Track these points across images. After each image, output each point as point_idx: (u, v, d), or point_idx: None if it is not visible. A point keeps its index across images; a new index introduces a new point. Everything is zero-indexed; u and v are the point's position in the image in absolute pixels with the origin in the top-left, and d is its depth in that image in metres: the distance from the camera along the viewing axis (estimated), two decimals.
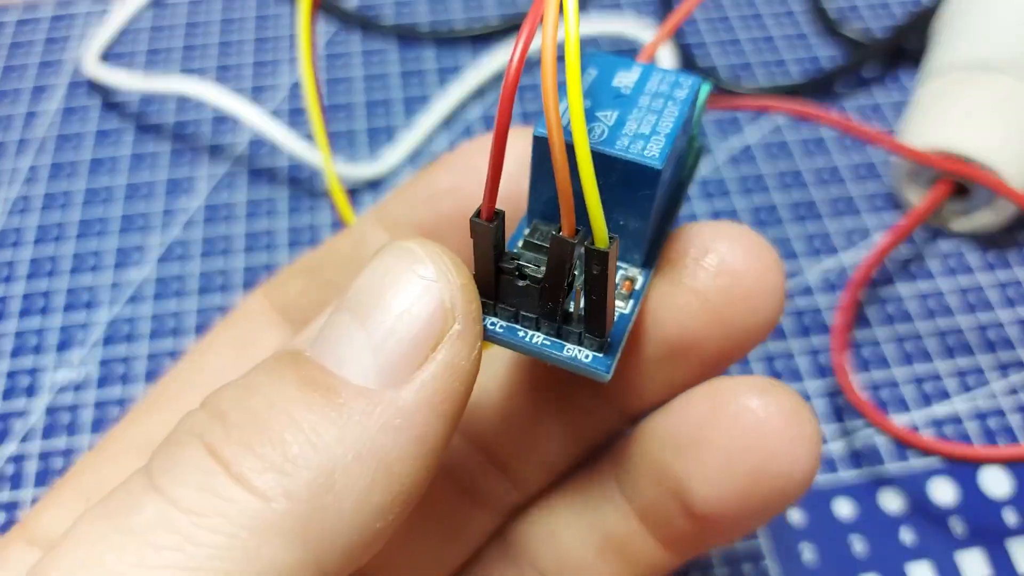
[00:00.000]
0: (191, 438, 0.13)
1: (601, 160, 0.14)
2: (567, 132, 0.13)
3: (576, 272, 0.15)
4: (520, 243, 0.16)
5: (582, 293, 0.15)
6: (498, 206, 0.14)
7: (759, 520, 0.17)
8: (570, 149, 0.13)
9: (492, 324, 0.15)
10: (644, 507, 0.18)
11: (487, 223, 0.14)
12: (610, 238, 0.14)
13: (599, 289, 0.14)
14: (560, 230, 0.14)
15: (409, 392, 0.13)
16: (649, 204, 0.15)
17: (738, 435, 0.16)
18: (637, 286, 0.16)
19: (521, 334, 0.15)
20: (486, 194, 0.14)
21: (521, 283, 0.15)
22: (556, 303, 0.15)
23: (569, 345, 0.15)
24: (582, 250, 0.14)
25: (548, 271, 0.14)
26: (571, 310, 0.15)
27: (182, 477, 0.12)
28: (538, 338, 0.15)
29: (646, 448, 0.18)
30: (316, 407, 0.13)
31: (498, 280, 0.15)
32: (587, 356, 0.15)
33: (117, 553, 0.11)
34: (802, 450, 0.16)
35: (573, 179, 0.13)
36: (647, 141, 0.15)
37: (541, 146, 0.15)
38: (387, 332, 0.13)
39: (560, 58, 0.13)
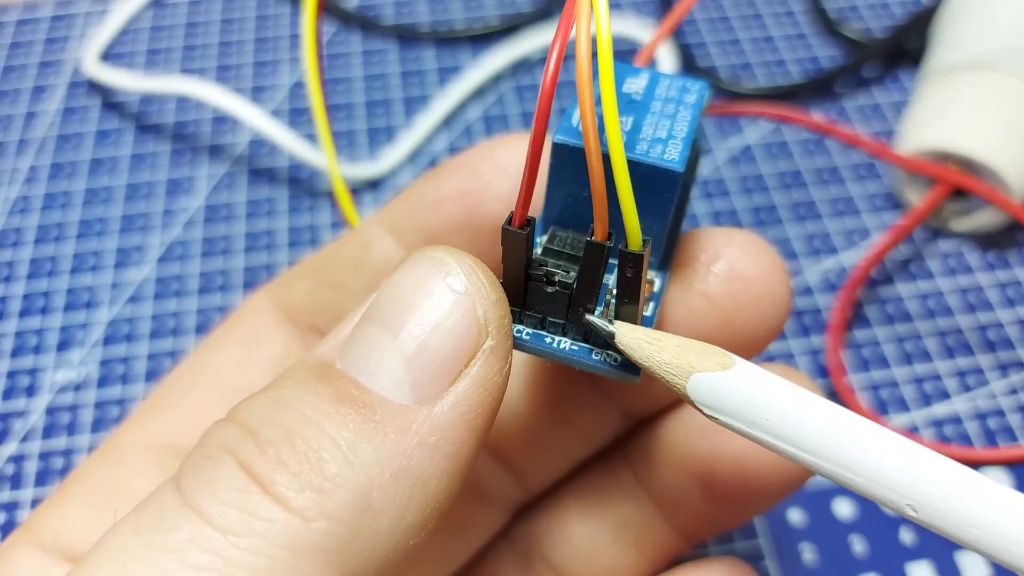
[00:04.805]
0: (223, 454, 0.12)
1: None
2: (602, 140, 0.13)
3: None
4: (539, 250, 0.16)
5: (612, 297, 0.15)
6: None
7: (776, 497, 0.19)
8: (605, 157, 0.13)
9: (518, 332, 0.15)
10: (663, 493, 0.19)
11: (520, 230, 0.14)
12: (643, 241, 0.14)
13: (632, 292, 0.14)
14: (592, 235, 0.14)
15: (443, 409, 0.13)
16: (668, 207, 0.15)
17: None
18: (656, 288, 0.17)
19: (548, 340, 0.15)
20: (519, 202, 0.14)
21: (550, 289, 0.15)
22: (587, 308, 0.15)
23: (597, 349, 0.15)
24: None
25: (581, 276, 0.14)
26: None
27: (217, 495, 0.12)
28: (565, 344, 0.15)
29: (669, 437, 0.19)
30: (352, 424, 0.12)
31: (526, 287, 0.15)
32: (615, 360, 0.15)
33: (153, 573, 0.11)
34: None
35: (607, 184, 0.13)
36: (665, 145, 0.15)
37: (561, 152, 0.15)
38: (420, 346, 0.13)
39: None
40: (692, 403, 0.14)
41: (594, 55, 0.13)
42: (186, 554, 0.11)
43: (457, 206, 0.18)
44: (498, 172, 0.18)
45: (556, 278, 0.15)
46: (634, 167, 0.14)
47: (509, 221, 0.14)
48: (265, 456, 0.12)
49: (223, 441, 0.13)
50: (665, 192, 0.15)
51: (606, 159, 0.13)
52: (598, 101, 0.14)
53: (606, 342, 0.15)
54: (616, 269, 0.14)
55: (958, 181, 0.28)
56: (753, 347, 0.17)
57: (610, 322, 0.14)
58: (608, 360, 0.15)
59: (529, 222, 0.14)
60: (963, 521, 0.12)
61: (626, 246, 0.14)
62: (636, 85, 0.16)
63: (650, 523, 0.19)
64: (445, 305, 0.13)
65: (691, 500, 0.19)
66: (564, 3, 0.39)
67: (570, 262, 0.15)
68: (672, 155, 0.15)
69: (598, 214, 0.13)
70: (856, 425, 0.13)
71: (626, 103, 0.16)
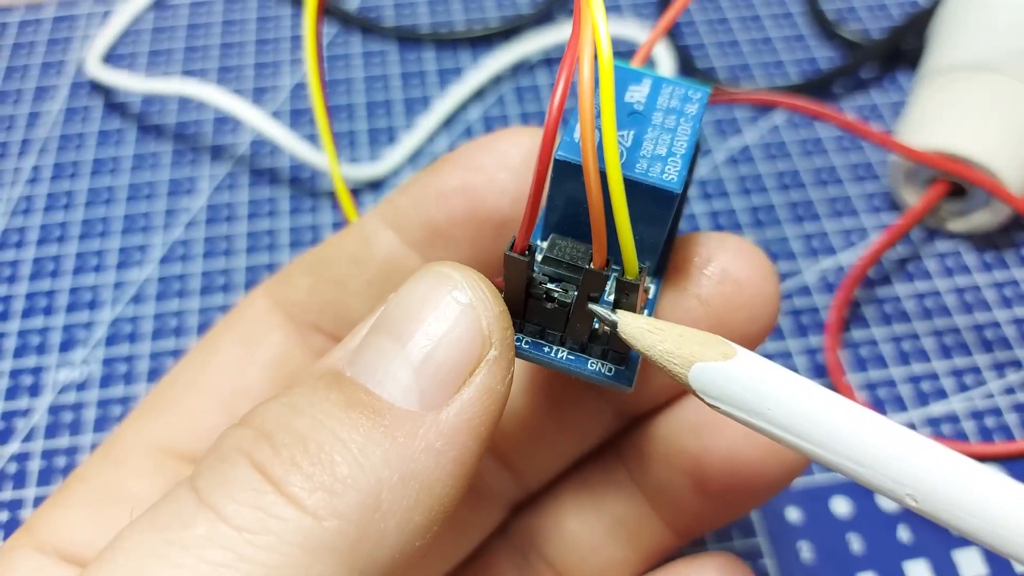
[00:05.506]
0: (238, 456, 0.13)
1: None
2: (602, 171, 0.13)
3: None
4: (540, 257, 0.16)
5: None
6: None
7: (766, 494, 0.19)
8: (604, 189, 0.13)
9: (518, 340, 0.16)
10: (655, 490, 0.19)
11: (521, 257, 0.14)
12: (639, 268, 0.14)
13: (628, 310, 0.15)
14: (591, 261, 0.14)
15: (449, 416, 0.13)
16: (665, 223, 0.15)
17: None
18: (651, 295, 0.17)
19: (547, 350, 0.16)
20: (522, 230, 0.14)
21: (550, 306, 0.15)
22: (585, 324, 0.15)
23: (593, 360, 0.16)
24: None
25: (579, 297, 0.15)
26: (596, 326, 0.15)
27: (233, 494, 0.12)
28: (563, 353, 0.16)
29: (661, 434, 0.19)
30: (363, 428, 0.13)
31: (526, 303, 0.15)
32: (610, 370, 0.16)
33: (171, 568, 0.12)
34: None
35: (606, 212, 0.13)
36: (664, 163, 0.15)
37: (561, 170, 0.15)
38: (427, 356, 0.13)
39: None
40: (694, 392, 0.14)
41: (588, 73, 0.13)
42: (202, 550, 0.12)
43: (460, 200, 0.18)
44: (501, 166, 0.18)
45: (555, 296, 0.15)
46: (632, 187, 0.15)
47: (511, 247, 0.14)
48: (279, 458, 0.13)
49: (238, 444, 0.13)
50: (662, 210, 0.15)
51: (604, 184, 0.13)
52: (598, 115, 0.14)
53: (603, 349, 0.16)
54: (614, 278, 0.15)
55: (967, 173, 0.28)
56: (745, 347, 0.18)
57: (613, 311, 0.15)
58: (603, 370, 0.16)
59: (530, 248, 0.14)
60: (964, 511, 0.12)
61: (623, 274, 0.14)
62: (639, 94, 0.16)
63: (644, 519, 0.19)
64: (451, 317, 0.14)
65: (683, 496, 0.19)
66: (563, 4, 0.38)
67: (569, 272, 0.15)
68: (671, 175, 0.15)
69: (597, 246, 0.14)
70: (858, 414, 0.13)
71: (627, 114, 0.16)
